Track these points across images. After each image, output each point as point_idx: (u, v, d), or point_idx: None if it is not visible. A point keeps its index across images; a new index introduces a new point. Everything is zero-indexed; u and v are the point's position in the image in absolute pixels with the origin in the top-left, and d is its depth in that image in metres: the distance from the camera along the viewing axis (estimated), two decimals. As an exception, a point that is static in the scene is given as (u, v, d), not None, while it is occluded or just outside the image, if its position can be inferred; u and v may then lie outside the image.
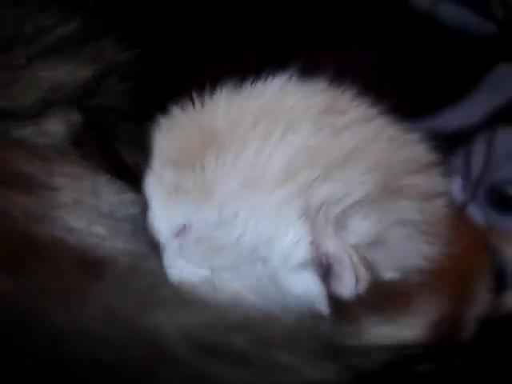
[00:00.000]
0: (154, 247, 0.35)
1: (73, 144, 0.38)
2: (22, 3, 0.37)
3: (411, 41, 0.84)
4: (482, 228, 0.64)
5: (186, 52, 0.53)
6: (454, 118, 0.78)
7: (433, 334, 0.39)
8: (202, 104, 0.36)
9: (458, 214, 0.58)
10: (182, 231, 0.34)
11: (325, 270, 0.32)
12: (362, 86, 0.41)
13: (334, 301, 0.33)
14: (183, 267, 0.34)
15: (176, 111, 0.37)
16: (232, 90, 0.37)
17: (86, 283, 0.24)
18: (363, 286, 0.32)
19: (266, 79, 0.37)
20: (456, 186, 0.72)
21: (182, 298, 0.26)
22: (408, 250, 0.34)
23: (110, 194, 0.35)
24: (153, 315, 0.23)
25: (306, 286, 0.33)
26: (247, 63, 0.39)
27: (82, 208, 0.33)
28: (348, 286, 0.32)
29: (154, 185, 0.36)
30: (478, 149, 0.74)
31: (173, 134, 0.36)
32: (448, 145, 0.76)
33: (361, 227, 0.32)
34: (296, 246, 0.32)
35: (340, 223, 0.32)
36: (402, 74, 0.79)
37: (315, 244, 0.32)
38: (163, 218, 0.35)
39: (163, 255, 0.35)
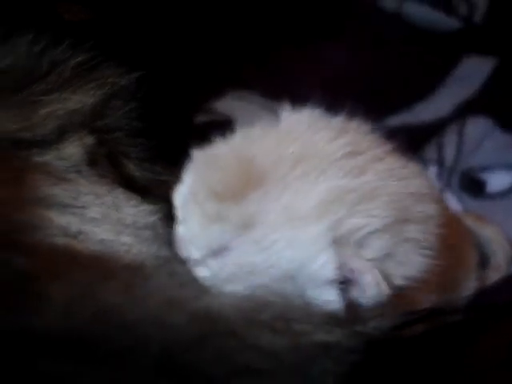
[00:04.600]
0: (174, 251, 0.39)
1: (89, 164, 0.42)
2: (38, 41, 0.41)
3: (381, 40, 0.89)
4: (460, 213, 0.68)
5: (185, 73, 0.57)
6: (426, 111, 0.82)
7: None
8: (240, 137, 0.42)
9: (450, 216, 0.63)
10: (220, 252, 0.38)
11: (347, 284, 0.39)
12: (336, 87, 0.45)
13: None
14: (221, 285, 0.38)
15: (214, 144, 0.42)
16: (266, 123, 0.42)
17: (136, 281, 0.28)
18: (384, 295, 0.38)
19: (290, 111, 0.43)
20: (431, 175, 0.76)
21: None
22: (411, 262, 0.41)
23: (129, 207, 0.39)
24: (201, 300, 0.28)
25: (328, 298, 0.39)
26: (239, 75, 0.44)
27: (108, 221, 0.37)
28: (371, 295, 0.38)
29: (194, 209, 0.39)
30: (450, 139, 0.79)
31: (214, 166, 0.40)
32: (422, 137, 0.80)
33: (376, 245, 0.39)
34: (324, 268, 0.38)
35: (359, 243, 0.39)
36: (373, 73, 0.83)
37: (341, 265, 0.38)
38: (202, 237, 0.39)
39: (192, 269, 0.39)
